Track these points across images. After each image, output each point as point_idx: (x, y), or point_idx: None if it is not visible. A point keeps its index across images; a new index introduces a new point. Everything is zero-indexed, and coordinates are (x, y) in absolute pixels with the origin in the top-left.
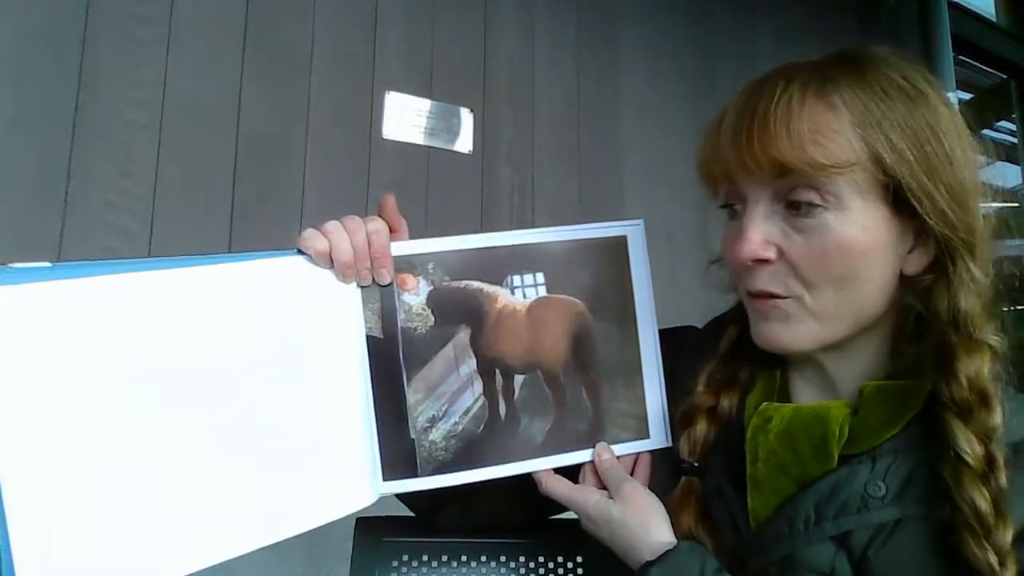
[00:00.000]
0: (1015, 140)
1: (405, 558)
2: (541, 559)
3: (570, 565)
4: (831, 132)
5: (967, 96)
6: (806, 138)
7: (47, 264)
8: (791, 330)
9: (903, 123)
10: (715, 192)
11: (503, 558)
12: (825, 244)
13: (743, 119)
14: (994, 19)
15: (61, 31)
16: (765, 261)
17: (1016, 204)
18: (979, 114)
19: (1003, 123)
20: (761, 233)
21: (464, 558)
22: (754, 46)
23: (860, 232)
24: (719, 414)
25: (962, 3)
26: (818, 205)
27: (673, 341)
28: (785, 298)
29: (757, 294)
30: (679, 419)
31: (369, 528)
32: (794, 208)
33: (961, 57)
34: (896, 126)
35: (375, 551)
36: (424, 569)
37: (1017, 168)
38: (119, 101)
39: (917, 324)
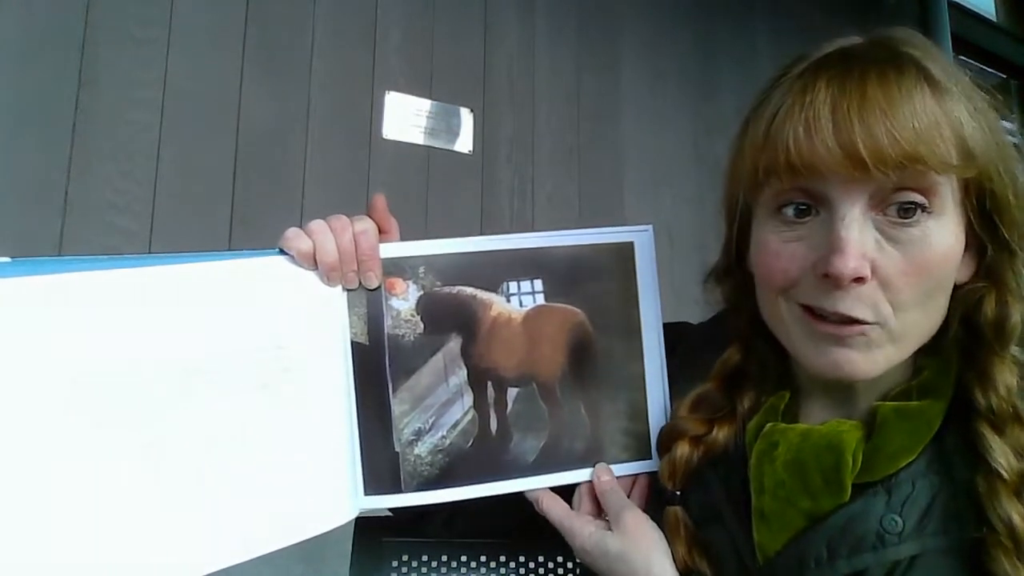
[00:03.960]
0: (1015, 140)
1: (405, 558)
2: (541, 559)
3: (570, 565)
4: (945, 127)
5: None
6: (932, 130)
7: (7, 259)
8: (870, 358)
9: (988, 122)
10: (755, 191)
11: (503, 558)
12: (926, 257)
13: (850, 104)
14: (994, 19)
15: (61, 31)
16: (860, 280)
17: None
18: None
19: (1003, 123)
20: (860, 244)
21: (464, 558)
22: (754, 47)
23: (954, 242)
24: (708, 442)
25: (962, 3)
26: (925, 210)
27: (667, 340)
28: (870, 324)
29: (834, 317)
30: (659, 441)
31: (369, 528)
32: (901, 213)
33: (961, 57)
34: (988, 125)
35: (375, 551)
36: (424, 569)
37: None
38: (119, 101)
39: (948, 334)
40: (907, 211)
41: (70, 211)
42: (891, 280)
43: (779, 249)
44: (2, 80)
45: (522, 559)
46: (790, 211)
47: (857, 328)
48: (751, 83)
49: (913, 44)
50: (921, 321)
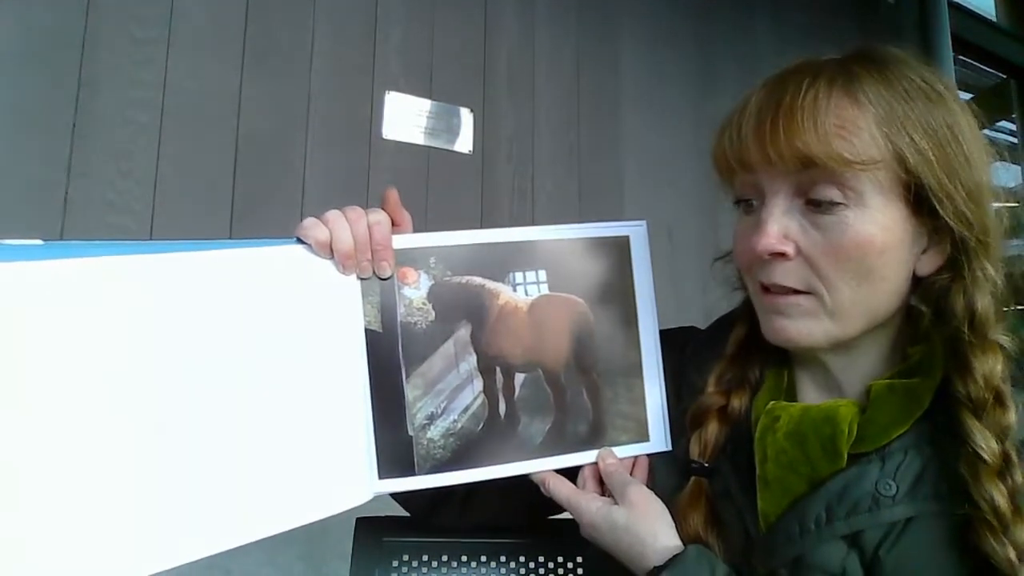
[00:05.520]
0: (1015, 140)
1: (405, 558)
2: (541, 559)
3: (570, 565)
4: (857, 128)
5: (967, 96)
6: (832, 133)
7: (39, 242)
8: (805, 326)
9: (924, 123)
10: (728, 184)
11: (503, 558)
12: (844, 241)
13: (767, 111)
14: (994, 19)
15: (61, 31)
16: (782, 255)
17: (1016, 204)
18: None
19: (1003, 123)
20: (780, 227)
21: (464, 558)
22: (754, 46)
23: (879, 231)
24: (729, 414)
25: (962, 3)
26: (839, 202)
27: (675, 342)
28: (802, 293)
29: (772, 289)
30: (689, 420)
31: (369, 528)
32: (814, 204)
33: (961, 57)
34: (918, 126)
35: (375, 551)
36: (424, 569)
37: (1017, 168)
38: (119, 101)
39: (922, 325)
40: (824, 202)
41: (70, 211)
42: (814, 258)
43: (740, 234)
44: (2, 80)
45: (522, 559)
46: (745, 204)
47: (792, 298)
48: (751, 80)
49: (864, 57)
50: (858, 301)
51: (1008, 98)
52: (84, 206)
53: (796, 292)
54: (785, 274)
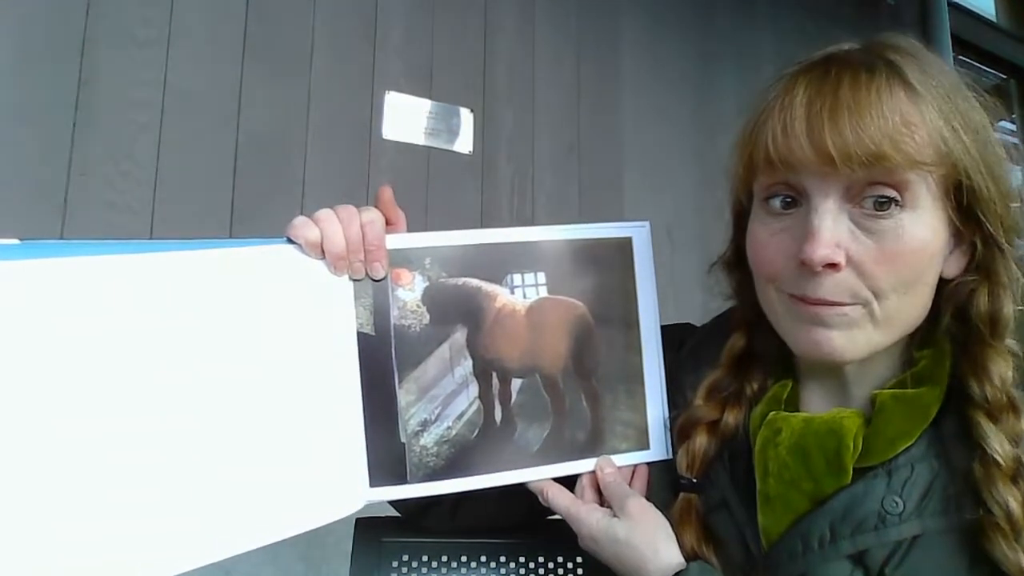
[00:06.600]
0: (1015, 140)
1: (405, 558)
2: (541, 559)
3: (570, 565)
4: (917, 126)
5: None
6: (900, 129)
7: (16, 241)
8: (850, 338)
9: (969, 122)
10: (744, 184)
11: (503, 558)
12: (899, 247)
13: (823, 105)
14: (994, 19)
15: (61, 31)
16: (834, 266)
17: (1016, 204)
18: None
19: (1003, 123)
20: (833, 234)
21: (464, 558)
22: (754, 46)
23: (931, 235)
24: (722, 429)
25: (962, 3)
26: (897, 204)
27: (669, 340)
28: (850, 305)
29: (816, 301)
30: (677, 431)
31: (369, 528)
32: (875, 206)
33: (961, 57)
34: (966, 125)
35: (375, 551)
36: (424, 569)
37: (1017, 168)
38: (119, 101)
39: (938, 328)
40: (880, 204)
41: (70, 211)
42: (866, 267)
43: (767, 240)
44: (2, 80)
45: (522, 559)
46: (776, 203)
47: (838, 308)
48: (751, 80)
49: (898, 49)
50: (902, 308)
51: (1008, 98)
52: (84, 206)
53: (843, 304)
54: (832, 287)
